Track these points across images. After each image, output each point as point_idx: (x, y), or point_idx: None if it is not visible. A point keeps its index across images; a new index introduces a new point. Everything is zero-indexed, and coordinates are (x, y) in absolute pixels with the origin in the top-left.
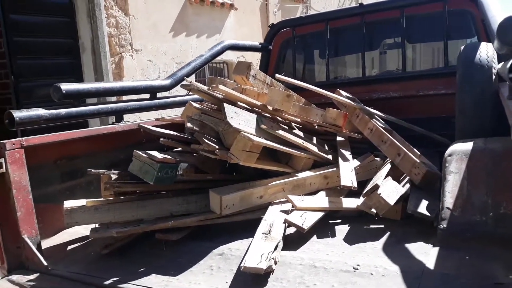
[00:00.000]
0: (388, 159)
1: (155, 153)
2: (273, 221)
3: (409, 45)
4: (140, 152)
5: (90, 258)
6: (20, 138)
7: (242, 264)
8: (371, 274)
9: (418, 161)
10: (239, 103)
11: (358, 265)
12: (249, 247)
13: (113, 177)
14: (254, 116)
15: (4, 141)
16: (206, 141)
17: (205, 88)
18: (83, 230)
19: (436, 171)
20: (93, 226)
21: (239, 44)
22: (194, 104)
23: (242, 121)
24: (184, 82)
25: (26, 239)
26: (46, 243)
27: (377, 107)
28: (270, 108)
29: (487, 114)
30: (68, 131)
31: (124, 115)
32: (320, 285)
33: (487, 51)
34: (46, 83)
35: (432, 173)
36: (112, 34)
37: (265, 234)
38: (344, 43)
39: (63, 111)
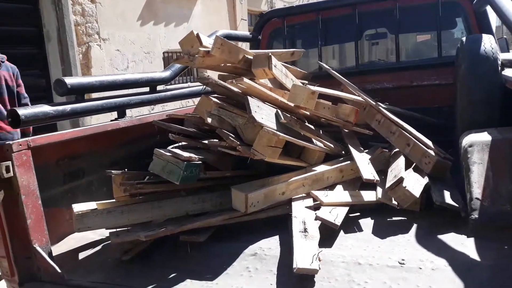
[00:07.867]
0: (395, 149)
1: (179, 152)
2: (304, 218)
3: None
4: (162, 151)
5: (108, 265)
6: (27, 138)
7: (294, 266)
8: (420, 268)
9: (428, 150)
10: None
11: (403, 259)
12: (292, 246)
13: (126, 177)
14: (274, 110)
15: (10, 142)
16: (229, 137)
17: (224, 83)
18: (91, 235)
19: (445, 160)
20: (103, 230)
21: (232, 34)
22: (213, 99)
23: (264, 115)
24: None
25: (38, 248)
26: (53, 250)
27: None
28: (292, 104)
29: (495, 105)
30: (73, 129)
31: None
32: (371, 282)
33: (490, 43)
34: None
35: (443, 162)
36: (79, 23)
37: (303, 232)
38: (334, 33)
39: (68, 107)
